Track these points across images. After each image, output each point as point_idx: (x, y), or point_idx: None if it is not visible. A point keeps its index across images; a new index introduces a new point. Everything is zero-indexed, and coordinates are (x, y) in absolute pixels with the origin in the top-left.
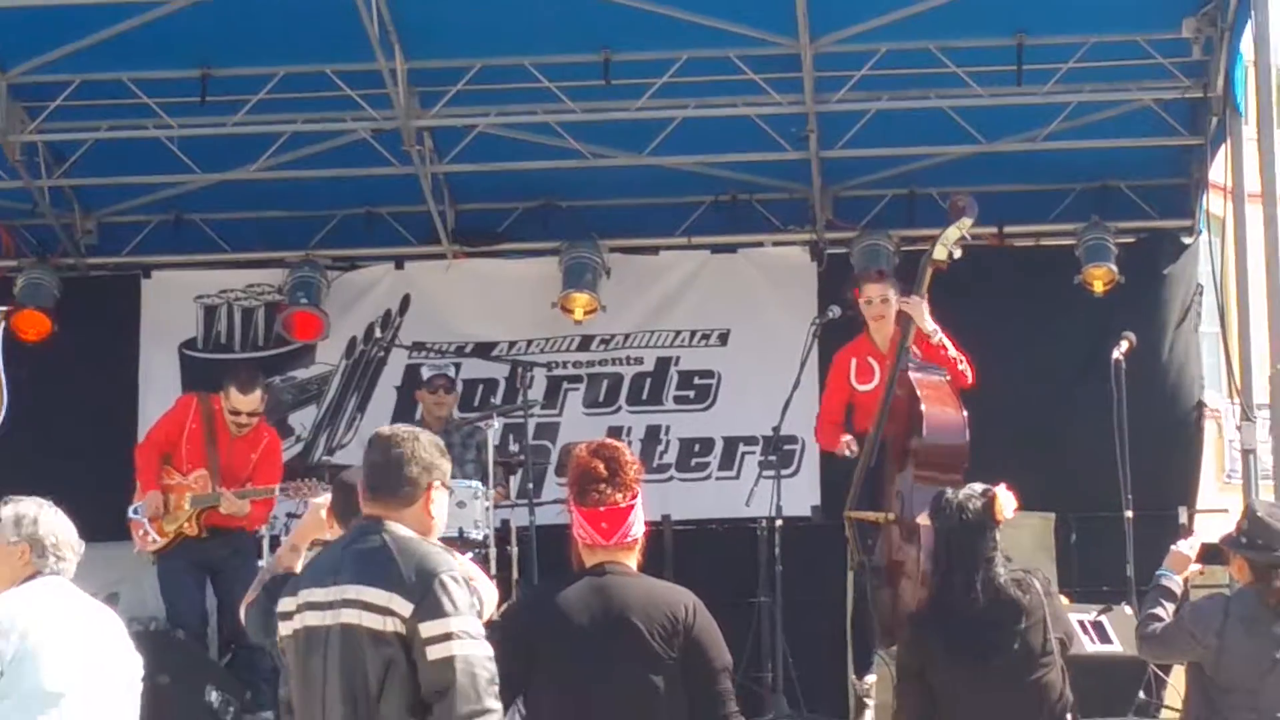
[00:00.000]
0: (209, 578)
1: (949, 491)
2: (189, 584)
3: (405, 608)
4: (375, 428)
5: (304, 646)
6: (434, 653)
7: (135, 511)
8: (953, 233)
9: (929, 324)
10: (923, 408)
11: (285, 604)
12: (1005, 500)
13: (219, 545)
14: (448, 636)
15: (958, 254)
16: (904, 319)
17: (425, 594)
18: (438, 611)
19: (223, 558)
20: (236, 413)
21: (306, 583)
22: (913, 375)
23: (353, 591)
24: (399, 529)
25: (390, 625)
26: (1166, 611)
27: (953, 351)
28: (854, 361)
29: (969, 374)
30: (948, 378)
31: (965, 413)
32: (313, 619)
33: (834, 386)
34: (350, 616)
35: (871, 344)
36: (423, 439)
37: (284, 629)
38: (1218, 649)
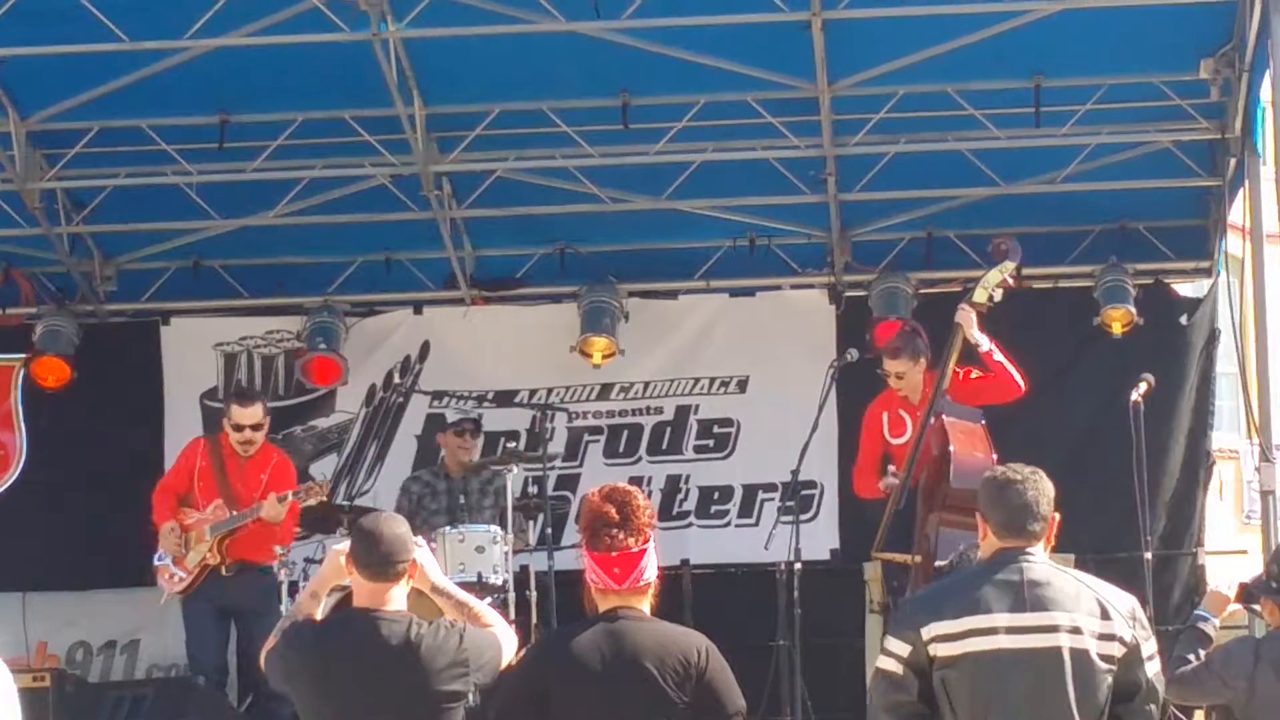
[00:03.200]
0: (232, 622)
1: (970, 553)
2: (212, 630)
3: (1128, 633)
4: (395, 475)
5: (1002, 668)
6: (1151, 669)
7: (160, 558)
8: (994, 275)
9: (976, 334)
10: (951, 448)
11: (943, 626)
12: None
13: (244, 586)
14: (1155, 655)
15: (998, 297)
16: (953, 328)
17: (1137, 620)
18: (1149, 634)
19: (246, 602)
20: (240, 428)
21: (960, 609)
22: (946, 419)
23: (1069, 619)
24: (1049, 560)
25: (1117, 650)
26: (1199, 656)
27: (999, 356)
28: (885, 415)
29: (1020, 381)
30: (982, 422)
31: (995, 456)
32: (1009, 642)
33: (868, 441)
34: (1077, 642)
35: (901, 397)
36: (1044, 479)
37: (946, 649)
38: (1247, 692)
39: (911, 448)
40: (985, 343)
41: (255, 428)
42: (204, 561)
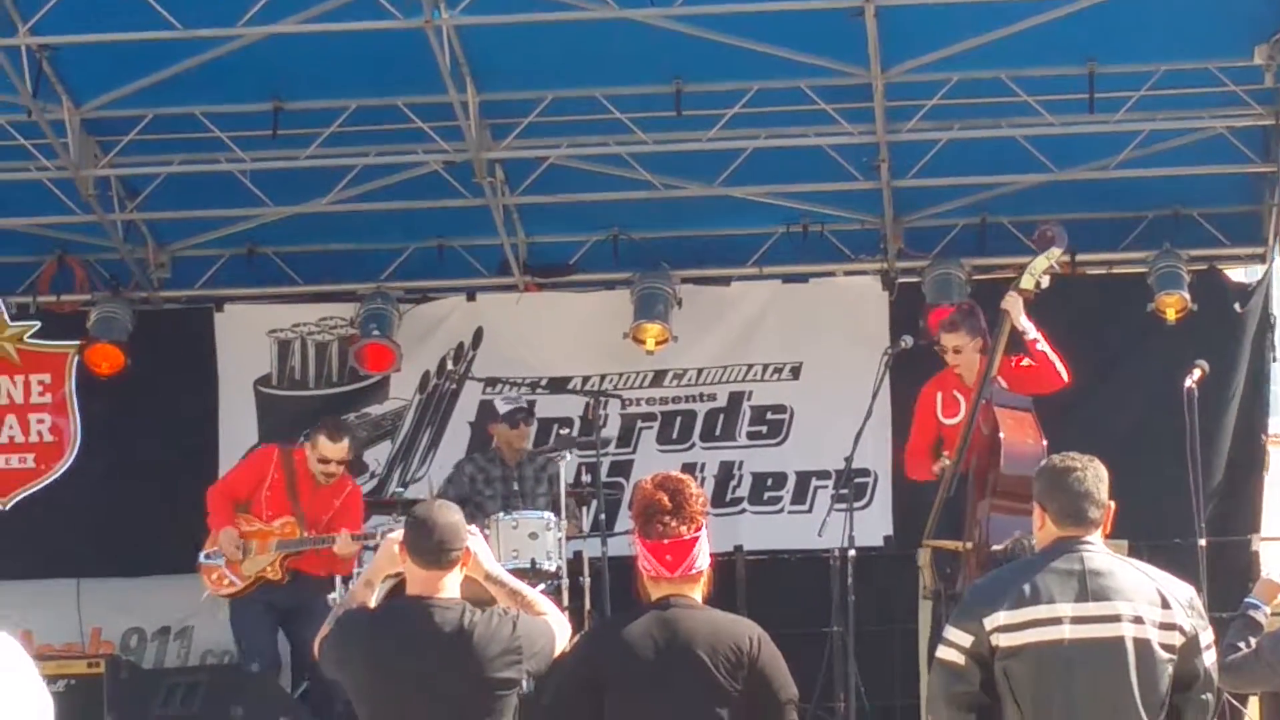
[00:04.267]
0: (281, 622)
1: (1026, 540)
2: (264, 625)
3: (1187, 622)
4: (449, 462)
5: (1065, 658)
6: (1208, 658)
7: (208, 557)
8: (1041, 262)
9: (1023, 321)
10: (1002, 436)
11: (1005, 616)
12: None
13: (296, 591)
14: (1211, 645)
15: (1045, 283)
16: (1001, 316)
17: (1195, 609)
18: (1206, 624)
19: (298, 601)
20: (325, 460)
21: (1022, 599)
22: (996, 407)
23: (1131, 609)
24: (1107, 549)
25: (1177, 639)
26: (1249, 644)
27: (1044, 346)
28: (940, 395)
29: (1064, 372)
30: (1031, 409)
31: (1045, 442)
32: (1073, 632)
33: (921, 421)
34: (1140, 632)
35: (957, 377)
36: (1100, 466)
37: (1008, 640)
38: None
39: (962, 434)
40: (1032, 330)
41: (340, 463)
42: (262, 573)
